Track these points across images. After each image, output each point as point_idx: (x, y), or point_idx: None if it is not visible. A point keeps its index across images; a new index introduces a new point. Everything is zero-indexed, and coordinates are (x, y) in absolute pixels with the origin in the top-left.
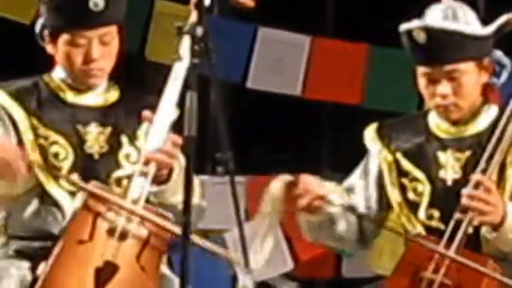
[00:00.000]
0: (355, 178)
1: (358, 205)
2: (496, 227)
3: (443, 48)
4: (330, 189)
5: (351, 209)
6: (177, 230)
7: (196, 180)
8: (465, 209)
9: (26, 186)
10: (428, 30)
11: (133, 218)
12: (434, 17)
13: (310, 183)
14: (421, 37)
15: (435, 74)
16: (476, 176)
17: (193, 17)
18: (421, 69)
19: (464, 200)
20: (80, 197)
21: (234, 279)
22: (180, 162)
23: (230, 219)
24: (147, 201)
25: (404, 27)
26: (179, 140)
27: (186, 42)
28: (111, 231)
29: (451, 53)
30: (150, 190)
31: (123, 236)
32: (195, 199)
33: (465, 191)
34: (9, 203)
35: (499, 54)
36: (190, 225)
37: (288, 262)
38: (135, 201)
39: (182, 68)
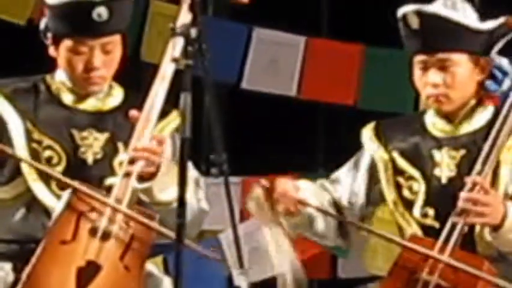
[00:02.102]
0: (343, 171)
1: (341, 198)
2: (496, 227)
3: (436, 34)
4: (305, 188)
5: (332, 204)
6: (163, 229)
7: (199, 181)
8: (461, 211)
9: (15, 191)
10: (422, 15)
11: (117, 219)
12: (431, 5)
13: (286, 187)
14: (414, 22)
15: (428, 61)
16: (472, 178)
17: (183, 16)
18: (416, 59)
19: (461, 203)
20: (64, 196)
21: (230, 279)
22: (169, 161)
23: (225, 220)
24: (139, 200)
25: (400, 12)
26: (164, 138)
27: (179, 43)
28: (93, 231)
29: (444, 40)
30: (137, 187)
31: (106, 236)
32: (192, 199)
33: (462, 194)
34: None
35: (503, 60)
36: (185, 227)
37: None
38: (118, 200)
39: (169, 67)
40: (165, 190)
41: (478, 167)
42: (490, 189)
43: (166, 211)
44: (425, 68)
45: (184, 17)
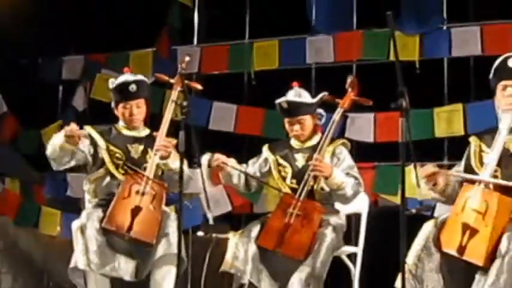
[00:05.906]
0: (253, 160)
1: (250, 172)
2: (328, 177)
3: (295, 109)
4: (232, 161)
5: (243, 173)
6: (174, 190)
7: (187, 169)
8: (309, 174)
9: (104, 171)
10: (288, 102)
11: (148, 183)
12: (290, 95)
13: (220, 157)
14: (285, 105)
15: (292, 121)
16: (314, 156)
17: (173, 95)
18: (285, 120)
19: (310, 168)
20: (125, 176)
21: (204, 215)
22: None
23: (200, 188)
24: (158, 168)
25: (277, 101)
26: (173, 140)
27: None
28: (138, 192)
29: (299, 111)
30: (161, 162)
31: (144, 193)
32: (187, 170)
33: (311, 164)
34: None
35: (320, 110)
36: (183, 190)
37: (228, 206)
38: (149, 173)
39: (169, 115)
40: (174, 163)
41: (316, 154)
42: (322, 160)
43: (174, 173)
44: (290, 123)
45: (174, 95)
